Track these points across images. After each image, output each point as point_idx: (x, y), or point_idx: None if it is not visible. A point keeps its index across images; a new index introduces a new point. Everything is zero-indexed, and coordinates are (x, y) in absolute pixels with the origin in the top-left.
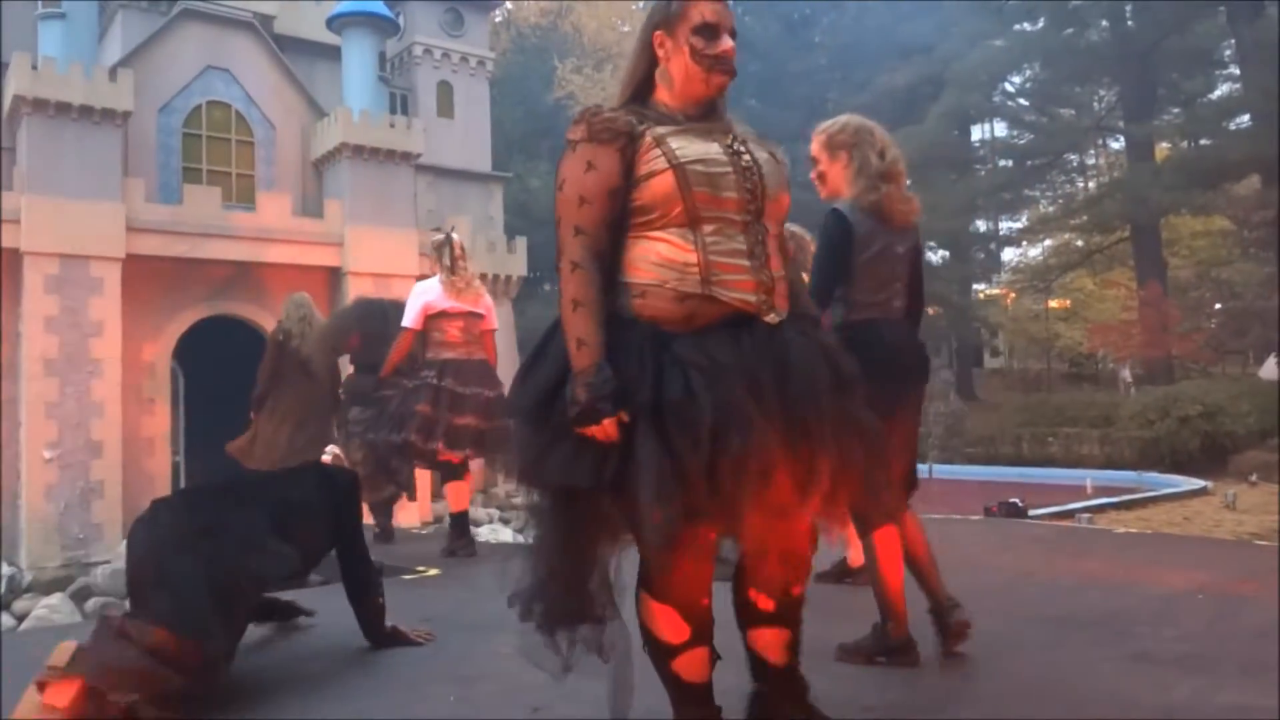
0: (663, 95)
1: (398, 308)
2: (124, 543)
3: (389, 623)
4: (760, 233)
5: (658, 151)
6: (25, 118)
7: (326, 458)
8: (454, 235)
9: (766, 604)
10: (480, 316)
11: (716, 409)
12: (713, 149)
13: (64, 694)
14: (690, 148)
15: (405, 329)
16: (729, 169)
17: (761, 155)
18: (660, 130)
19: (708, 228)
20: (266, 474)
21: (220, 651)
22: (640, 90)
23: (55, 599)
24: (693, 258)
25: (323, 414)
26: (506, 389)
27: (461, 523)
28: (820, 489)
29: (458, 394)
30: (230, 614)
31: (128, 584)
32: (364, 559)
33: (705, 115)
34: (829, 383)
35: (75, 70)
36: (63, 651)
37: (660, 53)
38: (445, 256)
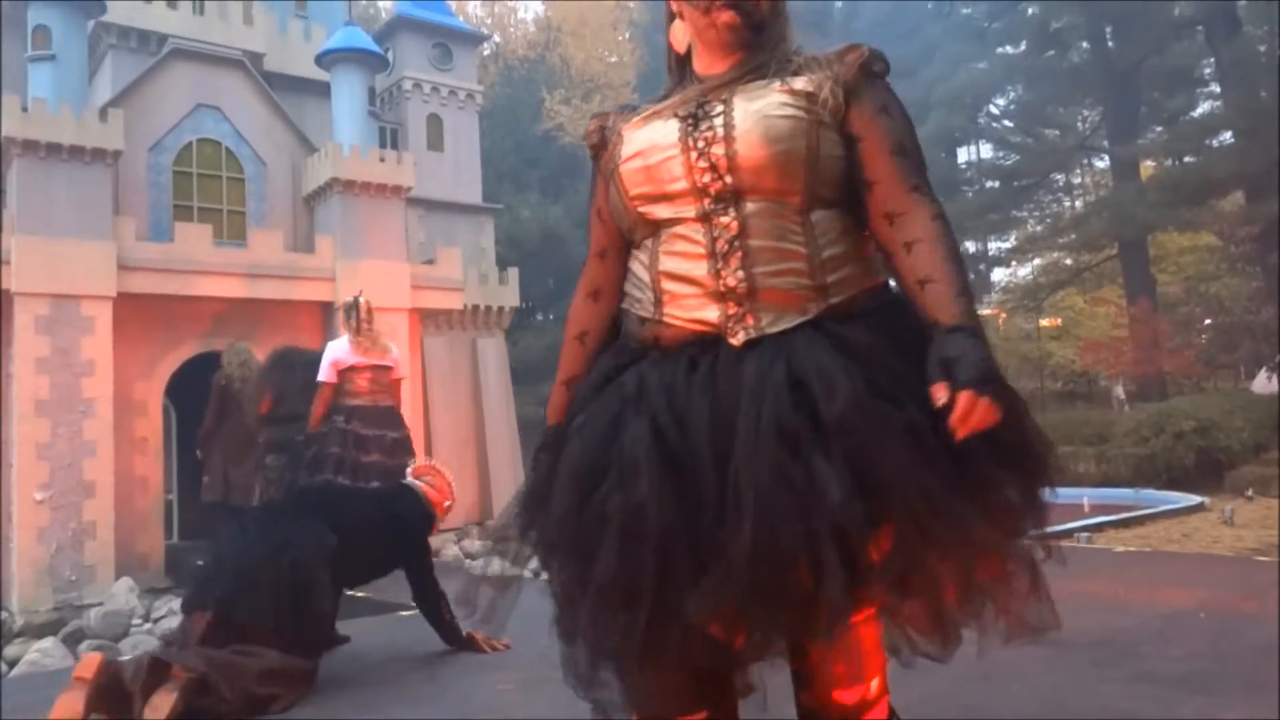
0: (695, 62)
1: (302, 357)
2: (116, 583)
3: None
4: (735, 221)
5: (613, 155)
6: (15, 159)
7: (409, 474)
8: (361, 300)
9: (808, 699)
10: (389, 368)
11: (604, 439)
12: (663, 130)
13: (73, 706)
14: (636, 139)
15: (321, 383)
16: (675, 150)
17: (754, 106)
18: (633, 122)
19: (665, 232)
20: (340, 488)
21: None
22: (680, 64)
23: (47, 643)
24: (647, 275)
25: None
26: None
27: None
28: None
29: (362, 435)
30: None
31: (204, 591)
32: (428, 572)
33: (745, 67)
34: (774, 429)
35: (65, 111)
36: (89, 663)
37: (676, 9)
38: (353, 318)
